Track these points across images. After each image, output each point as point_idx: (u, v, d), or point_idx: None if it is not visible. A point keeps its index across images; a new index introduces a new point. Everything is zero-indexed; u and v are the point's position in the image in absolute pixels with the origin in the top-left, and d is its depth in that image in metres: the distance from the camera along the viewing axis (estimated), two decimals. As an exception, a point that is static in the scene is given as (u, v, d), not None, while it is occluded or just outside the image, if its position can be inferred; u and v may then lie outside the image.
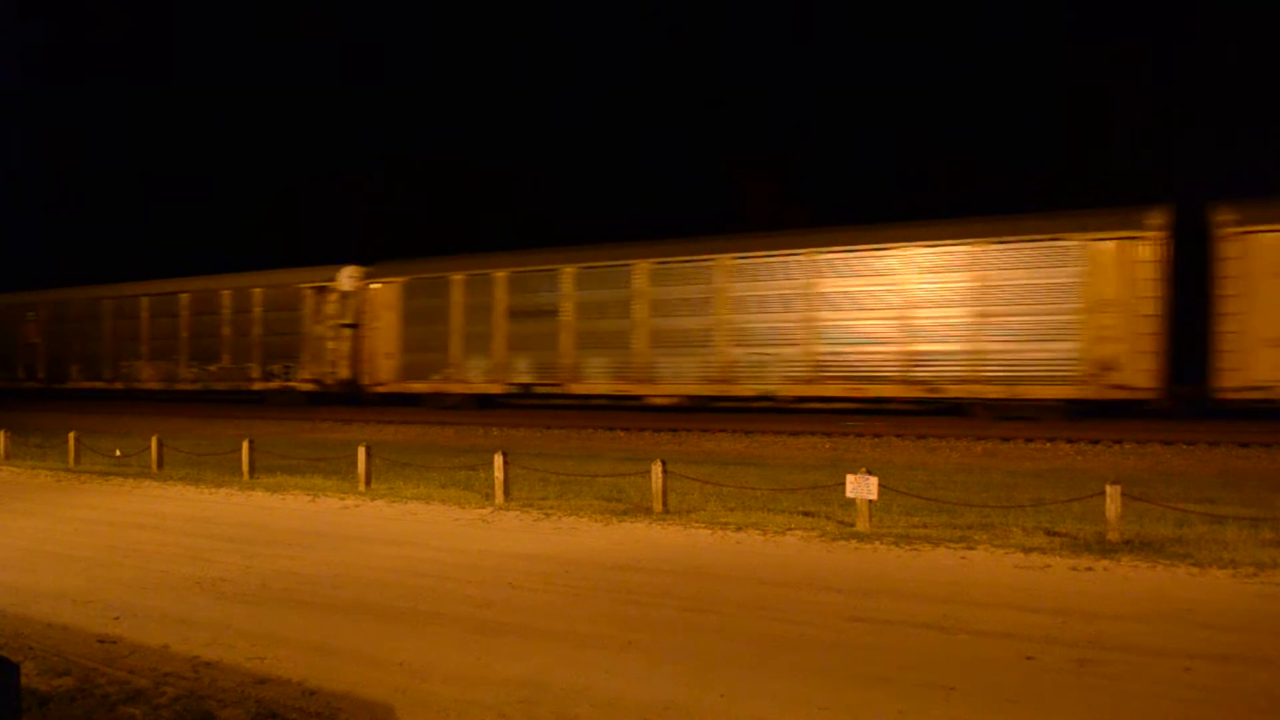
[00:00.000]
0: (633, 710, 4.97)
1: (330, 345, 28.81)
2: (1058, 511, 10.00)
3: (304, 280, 29.56)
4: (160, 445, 16.14)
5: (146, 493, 13.67)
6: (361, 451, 13.46)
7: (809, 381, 21.25)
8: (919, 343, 20.16)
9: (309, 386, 29.29)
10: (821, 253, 21.20)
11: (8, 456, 17.96)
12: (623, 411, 23.94)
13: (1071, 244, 18.95)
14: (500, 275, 25.44)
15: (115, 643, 6.35)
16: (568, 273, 24.39)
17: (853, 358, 20.78)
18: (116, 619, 6.92)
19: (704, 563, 8.40)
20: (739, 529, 9.74)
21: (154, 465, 15.87)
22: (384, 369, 27.66)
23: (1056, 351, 19.01)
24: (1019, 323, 19.37)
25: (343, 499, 12.36)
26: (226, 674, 5.65)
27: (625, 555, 8.75)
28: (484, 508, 11.46)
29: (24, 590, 7.88)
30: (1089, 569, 7.82)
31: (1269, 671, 5.38)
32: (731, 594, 7.31)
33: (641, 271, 23.31)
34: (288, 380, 29.67)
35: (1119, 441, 16.68)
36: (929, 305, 20.14)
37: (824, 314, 21.11)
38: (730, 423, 20.73)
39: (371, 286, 28.09)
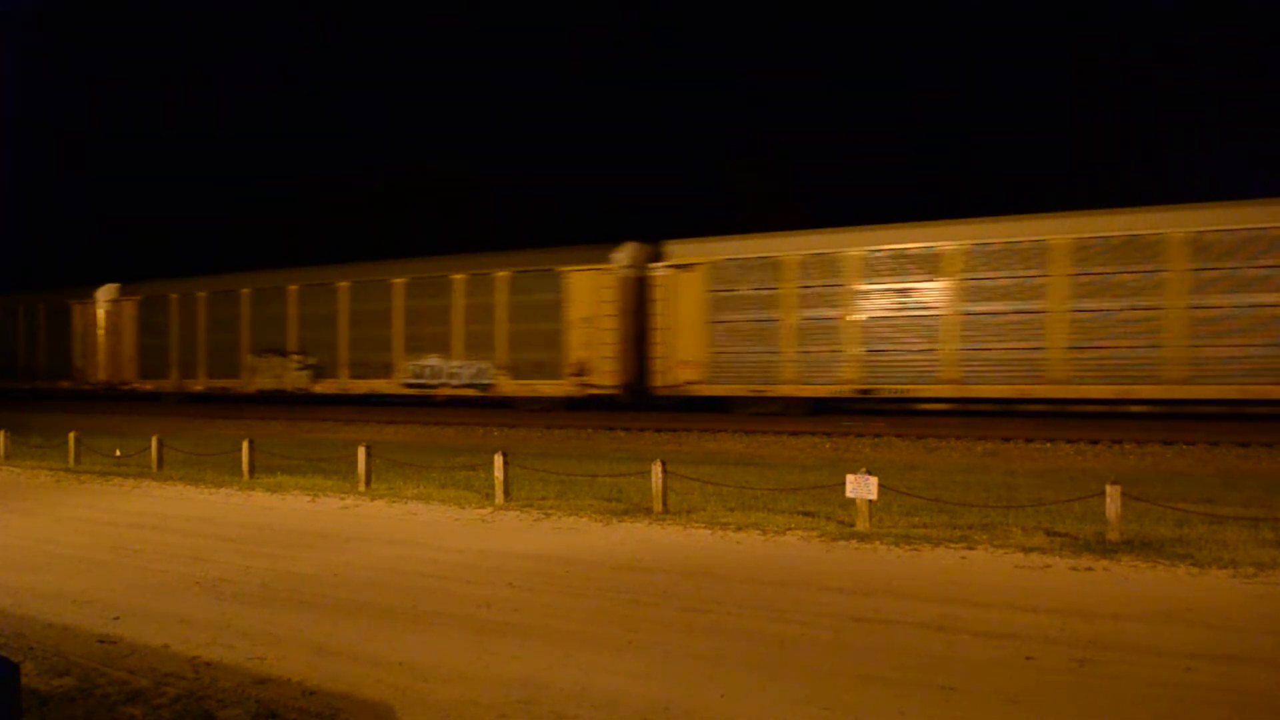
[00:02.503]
0: (633, 710, 4.97)
1: None
2: (1058, 511, 10.00)
3: None
4: (160, 445, 16.15)
5: (146, 493, 13.67)
6: (361, 451, 13.46)
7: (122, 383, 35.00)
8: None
9: None
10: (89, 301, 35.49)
11: (7, 456, 17.97)
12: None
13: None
14: None
15: (115, 643, 6.35)
16: None
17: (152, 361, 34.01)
18: (116, 619, 6.93)
19: (704, 563, 8.39)
20: (739, 529, 9.74)
21: (154, 465, 15.87)
22: None
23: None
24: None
25: (343, 499, 12.37)
26: (226, 674, 5.65)
27: (625, 555, 8.76)
28: (484, 508, 11.46)
29: (24, 590, 7.89)
30: (1089, 569, 7.82)
31: (1269, 671, 5.39)
32: (731, 594, 7.31)
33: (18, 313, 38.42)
34: None
35: (1119, 441, 16.68)
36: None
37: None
38: (730, 423, 20.95)
39: None
